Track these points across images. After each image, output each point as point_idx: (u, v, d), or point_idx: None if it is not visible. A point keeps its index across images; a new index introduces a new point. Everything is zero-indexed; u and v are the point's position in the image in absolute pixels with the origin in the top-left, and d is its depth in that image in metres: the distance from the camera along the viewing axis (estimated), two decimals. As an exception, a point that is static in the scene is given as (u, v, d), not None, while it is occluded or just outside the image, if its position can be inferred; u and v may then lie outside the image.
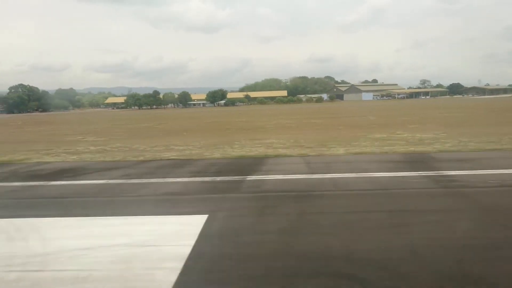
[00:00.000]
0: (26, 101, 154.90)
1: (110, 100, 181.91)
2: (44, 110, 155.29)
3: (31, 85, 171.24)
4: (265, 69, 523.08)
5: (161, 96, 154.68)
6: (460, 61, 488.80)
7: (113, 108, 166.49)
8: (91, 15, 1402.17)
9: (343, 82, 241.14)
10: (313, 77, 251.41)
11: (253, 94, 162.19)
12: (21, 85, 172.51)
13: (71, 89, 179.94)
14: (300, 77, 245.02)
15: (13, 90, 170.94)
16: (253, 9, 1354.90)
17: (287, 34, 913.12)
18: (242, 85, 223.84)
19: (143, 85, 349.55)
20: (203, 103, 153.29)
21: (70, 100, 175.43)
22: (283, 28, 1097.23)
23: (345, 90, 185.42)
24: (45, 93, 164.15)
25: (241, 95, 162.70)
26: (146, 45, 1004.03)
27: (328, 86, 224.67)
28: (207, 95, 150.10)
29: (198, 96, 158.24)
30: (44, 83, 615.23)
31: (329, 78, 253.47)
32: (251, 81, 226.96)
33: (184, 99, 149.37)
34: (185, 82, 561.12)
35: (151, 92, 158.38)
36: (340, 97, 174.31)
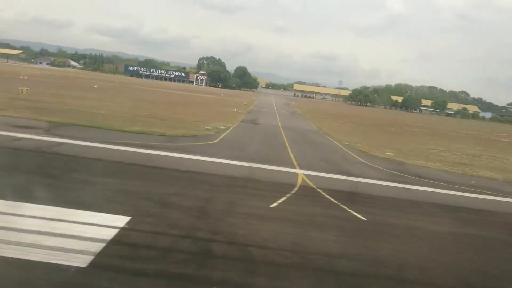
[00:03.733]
0: (226, 77, 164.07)
1: (297, 87, 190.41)
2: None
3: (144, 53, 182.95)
4: (268, 56, 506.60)
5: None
6: None
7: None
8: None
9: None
10: (441, 89, 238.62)
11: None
12: (212, 58, 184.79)
13: (244, 68, 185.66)
14: (430, 87, 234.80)
15: (205, 63, 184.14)
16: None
17: (299, 27, 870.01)
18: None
19: (142, 54, 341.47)
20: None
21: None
22: (297, 20, 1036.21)
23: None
24: (243, 69, 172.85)
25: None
26: (156, 16, 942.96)
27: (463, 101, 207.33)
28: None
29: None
30: (43, 37, 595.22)
31: (465, 93, 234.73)
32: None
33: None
34: (184, 58, 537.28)
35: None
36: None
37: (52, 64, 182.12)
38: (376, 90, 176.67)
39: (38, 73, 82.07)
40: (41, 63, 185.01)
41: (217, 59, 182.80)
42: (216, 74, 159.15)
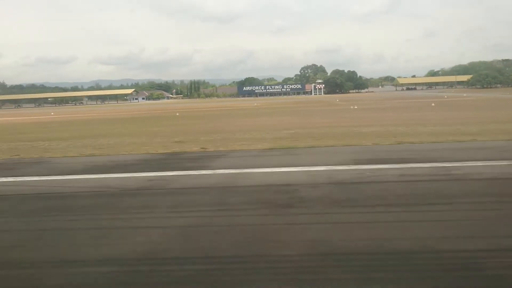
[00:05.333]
0: (342, 82, 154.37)
1: (403, 80, 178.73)
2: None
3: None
4: (272, 59, 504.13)
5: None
6: None
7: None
8: (107, 6, 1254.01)
9: None
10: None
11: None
12: (313, 66, 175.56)
13: (354, 72, 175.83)
14: (503, 60, 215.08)
15: (307, 71, 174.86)
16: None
17: (300, 24, 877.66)
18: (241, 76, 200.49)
19: (147, 77, 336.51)
20: None
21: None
22: (297, 18, 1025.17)
23: None
24: (352, 73, 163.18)
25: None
26: (157, 37, 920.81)
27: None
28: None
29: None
30: (49, 76, 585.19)
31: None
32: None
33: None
34: (187, 75, 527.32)
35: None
36: None
37: (149, 98, 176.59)
38: (499, 70, 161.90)
39: (255, 104, 72.33)
40: (136, 99, 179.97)
41: (318, 66, 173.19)
42: (333, 80, 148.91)
